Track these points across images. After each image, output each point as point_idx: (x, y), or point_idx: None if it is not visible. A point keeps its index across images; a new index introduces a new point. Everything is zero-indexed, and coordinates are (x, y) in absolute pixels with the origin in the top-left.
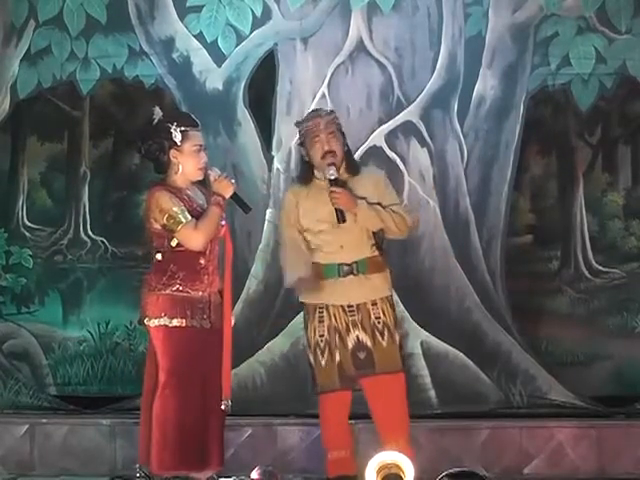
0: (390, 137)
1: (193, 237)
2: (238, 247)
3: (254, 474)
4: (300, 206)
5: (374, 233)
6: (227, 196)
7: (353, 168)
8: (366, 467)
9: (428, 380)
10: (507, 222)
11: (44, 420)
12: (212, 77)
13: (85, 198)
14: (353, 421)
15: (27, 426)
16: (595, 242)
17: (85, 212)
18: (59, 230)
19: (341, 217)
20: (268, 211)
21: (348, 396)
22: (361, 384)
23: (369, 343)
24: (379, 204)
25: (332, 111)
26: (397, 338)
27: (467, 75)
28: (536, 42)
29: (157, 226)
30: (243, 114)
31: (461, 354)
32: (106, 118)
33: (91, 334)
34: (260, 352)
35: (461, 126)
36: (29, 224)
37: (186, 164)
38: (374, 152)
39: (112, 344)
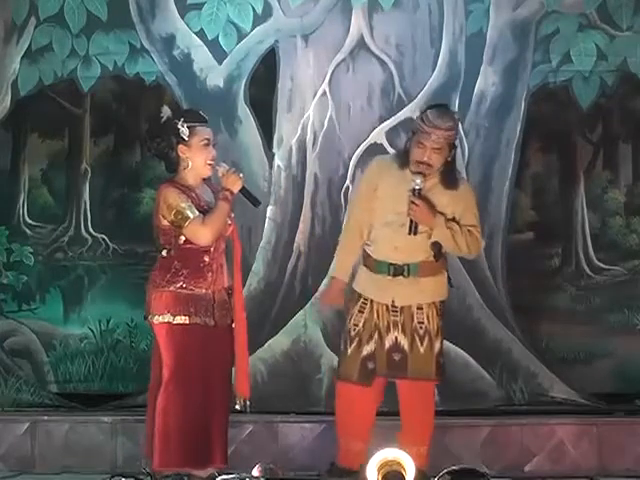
0: (391, 134)
1: (201, 232)
2: None
3: (255, 471)
4: (382, 182)
5: (434, 243)
6: (235, 191)
7: (449, 183)
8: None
9: None
10: (508, 219)
11: (45, 418)
12: (213, 74)
13: (86, 195)
14: None
15: (28, 424)
16: (596, 239)
17: (86, 209)
18: (60, 227)
19: (414, 229)
20: (269, 208)
21: (366, 392)
22: (398, 385)
23: (406, 346)
24: (457, 221)
25: (453, 123)
26: (437, 347)
27: (468, 72)
28: (537, 39)
29: (165, 222)
30: (244, 111)
31: (462, 351)
32: (107, 115)
33: (92, 331)
34: (261, 349)
35: (462, 123)
36: (30, 221)
37: (195, 159)
38: (375, 149)
39: (113, 341)
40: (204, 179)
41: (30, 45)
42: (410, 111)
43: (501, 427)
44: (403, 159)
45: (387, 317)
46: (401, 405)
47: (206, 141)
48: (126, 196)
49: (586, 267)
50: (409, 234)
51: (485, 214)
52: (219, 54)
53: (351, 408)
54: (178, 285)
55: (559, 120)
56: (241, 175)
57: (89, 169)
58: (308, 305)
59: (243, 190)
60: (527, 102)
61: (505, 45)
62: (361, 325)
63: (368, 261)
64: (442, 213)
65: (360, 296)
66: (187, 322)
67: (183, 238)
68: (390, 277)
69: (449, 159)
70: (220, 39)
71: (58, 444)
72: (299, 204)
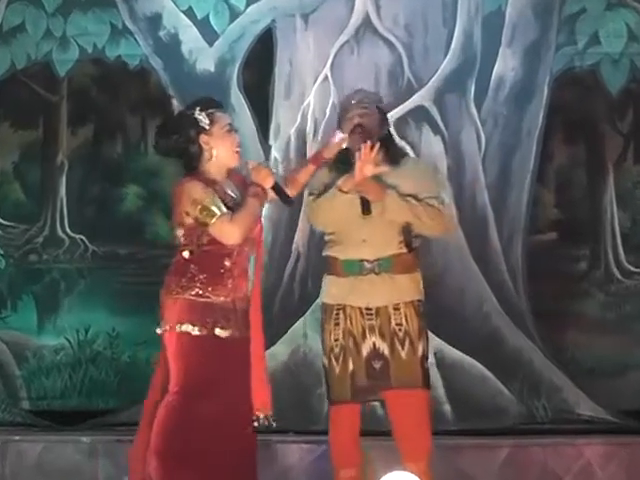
0: (400, 124)
1: (229, 230)
2: None
3: None
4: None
5: (403, 228)
6: (267, 186)
7: (392, 157)
8: None
9: (442, 392)
10: (529, 218)
11: (17, 437)
12: (203, 57)
13: (62, 191)
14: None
15: None
16: (627, 240)
17: (62, 207)
18: (34, 227)
19: (366, 207)
20: (265, 206)
21: (356, 410)
22: (383, 397)
23: (386, 352)
24: (415, 197)
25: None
26: (420, 350)
27: (485, 55)
28: (561, 18)
29: (189, 220)
30: (237, 98)
31: (478, 364)
32: (86, 102)
33: (69, 342)
34: None
35: (478, 111)
36: (0, 220)
37: (220, 148)
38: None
39: (92, 353)
40: (229, 171)
41: (1, 25)
42: (421, 98)
43: (521, 448)
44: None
45: (361, 321)
46: (391, 419)
47: (229, 127)
48: (107, 192)
49: (616, 270)
50: (363, 213)
51: (504, 212)
52: (210, 35)
53: (350, 432)
54: (194, 292)
55: (585, 108)
56: (274, 170)
57: (66, 162)
58: (308, 312)
59: (275, 186)
60: (550, 88)
61: (526, 25)
62: (341, 338)
63: (333, 266)
64: (393, 187)
65: (333, 307)
66: (203, 334)
67: (206, 239)
68: (361, 276)
69: (384, 130)
70: (211, 18)
71: (31, 466)
72: (298, 200)
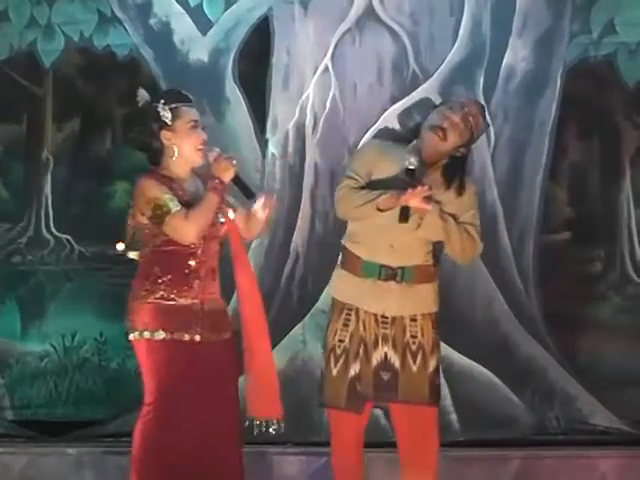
0: (404, 117)
1: (184, 228)
2: (227, 245)
3: None
4: (378, 167)
5: (435, 242)
6: (227, 180)
7: (450, 181)
8: None
9: (449, 402)
10: (541, 216)
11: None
12: (196, 47)
13: (47, 189)
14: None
15: None
16: None
17: (47, 205)
18: (17, 227)
19: (404, 216)
20: None
21: (358, 420)
22: (390, 409)
23: (397, 364)
24: (455, 217)
25: (479, 109)
26: (432, 365)
27: (494, 45)
28: (575, 6)
29: (144, 220)
30: (232, 91)
31: (488, 371)
32: (72, 95)
33: (55, 348)
34: None
35: (487, 104)
36: None
37: (182, 145)
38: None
39: (79, 360)
40: (195, 169)
41: None
42: (426, 90)
43: (533, 460)
44: (410, 139)
45: (375, 329)
46: (396, 434)
47: (193, 123)
48: (95, 190)
49: (632, 272)
50: (399, 220)
51: (514, 211)
52: (203, 23)
53: (349, 442)
54: (158, 295)
55: (601, 100)
56: (235, 162)
57: (51, 158)
58: (307, 316)
59: (236, 179)
60: (563, 79)
61: (538, 13)
62: (347, 341)
63: (352, 263)
64: (438, 202)
65: (344, 306)
66: (168, 338)
67: (165, 238)
68: (380, 281)
69: (459, 153)
70: (204, 6)
71: (14, 479)
72: (297, 198)
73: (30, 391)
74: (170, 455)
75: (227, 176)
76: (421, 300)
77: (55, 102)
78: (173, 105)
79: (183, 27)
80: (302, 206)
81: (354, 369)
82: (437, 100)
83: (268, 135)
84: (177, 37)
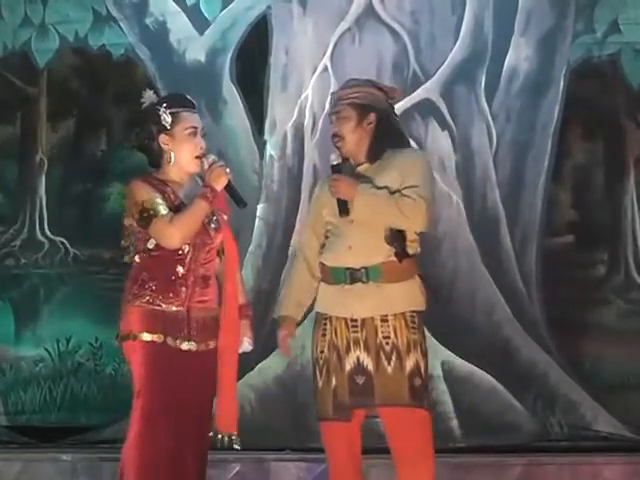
0: (405, 118)
1: (167, 232)
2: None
3: None
4: (324, 195)
5: (392, 234)
6: (219, 187)
7: (372, 156)
8: None
9: (450, 407)
10: (544, 219)
11: None
12: (193, 47)
13: (42, 191)
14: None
15: None
16: None
17: (42, 208)
18: (11, 229)
19: (343, 208)
20: (259, 206)
21: (348, 428)
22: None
23: (370, 367)
24: (389, 188)
25: (354, 82)
26: (409, 366)
27: (496, 44)
28: (579, 5)
29: (134, 223)
30: (230, 91)
31: (489, 376)
32: (67, 95)
33: (49, 353)
34: (250, 374)
35: (489, 105)
36: None
37: (179, 151)
38: None
39: (74, 364)
40: (198, 174)
41: None
42: (427, 91)
43: (536, 466)
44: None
45: (346, 334)
46: (388, 439)
47: (192, 129)
48: (90, 191)
49: (636, 276)
50: (340, 215)
51: (517, 213)
52: (200, 22)
53: (341, 452)
54: (145, 300)
55: (604, 101)
56: (228, 170)
57: (45, 160)
58: (306, 321)
59: (228, 187)
60: (566, 80)
61: (541, 11)
62: (326, 350)
63: (324, 272)
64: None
65: (322, 316)
66: (155, 340)
67: (152, 243)
68: (348, 285)
69: (368, 129)
70: (201, 5)
71: None
72: (295, 200)
73: (24, 396)
74: (152, 458)
75: (220, 184)
76: (390, 300)
77: (49, 102)
78: (174, 109)
79: (180, 26)
80: (300, 208)
81: (335, 378)
82: (438, 100)
83: (266, 136)
84: (173, 36)
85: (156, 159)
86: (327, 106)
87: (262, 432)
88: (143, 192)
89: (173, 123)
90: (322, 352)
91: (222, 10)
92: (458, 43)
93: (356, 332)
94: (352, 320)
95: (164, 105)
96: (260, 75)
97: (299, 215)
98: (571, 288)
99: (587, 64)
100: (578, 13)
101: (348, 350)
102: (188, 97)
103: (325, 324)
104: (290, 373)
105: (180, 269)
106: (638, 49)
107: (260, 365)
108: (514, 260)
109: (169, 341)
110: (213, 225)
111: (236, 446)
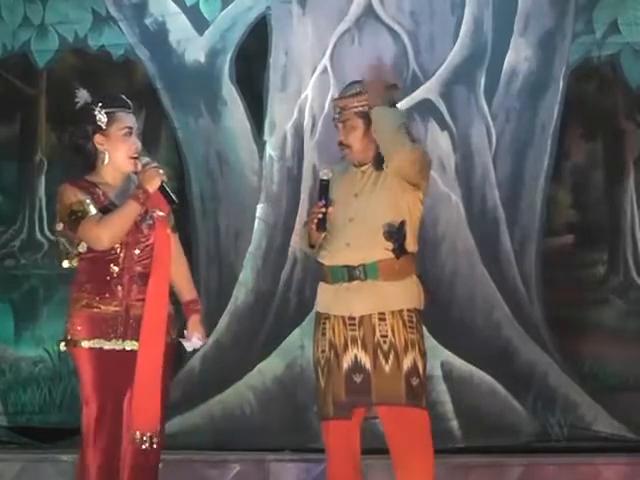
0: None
1: (93, 233)
2: (224, 250)
3: None
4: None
5: (389, 231)
6: (152, 189)
7: (379, 160)
8: None
9: (450, 408)
10: (544, 219)
11: None
12: (192, 47)
13: (41, 191)
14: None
15: None
16: None
17: (41, 208)
18: (10, 229)
19: (321, 225)
20: (259, 207)
21: (349, 427)
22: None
23: (368, 365)
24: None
25: (361, 89)
26: (406, 365)
27: (496, 44)
28: (578, 5)
29: (65, 227)
30: (229, 91)
31: (489, 377)
32: (66, 96)
33: (49, 353)
34: (250, 375)
35: (489, 105)
36: None
37: (113, 151)
38: None
39: (74, 365)
40: (134, 175)
41: None
42: (427, 91)
43: (535, 467)
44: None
45: (344, 332)
46: (386, 438)
47: (127, 130)
48: None
49: (636, 276)
50: (319, 231)
51: (516, 214)
52: (200, 23)
53: (342, 452)
54: (83, 303)
55: (604, 101)
56: (162, 171)
57: (45, 160)
58: (305, 321)
59: (162, 188)
60: (566, 80)
61: (540, 12)
62: (327, 349)
63: (323, 272)
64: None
65: (321, 316)
66: (91, 346)
67: (84, 246)
68: (346, 283)
69: (375, 136)
70: (201, 5)
71: None
72: (295, 201)
73: (24, 397)
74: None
75: (153, 185)
76: (388, 298)
77: (49, 103)
78: (110, 109)
79: (179, 27)
80: (300, 209)
81: (334, 377)
82: (437, 100)
83: (266, 137)
84: (173, 37)
85: (90, 160)
86: (327, 107)
87: (262, 432)
88: (71, 195)
89: (108, 123)
90: (323, 352)
91: (222, 11)
92: (458, 43)
93: (354, 330)
94: (350, 318)
95: (99, 105)
96: (260, 75)
97: (299, 215)
98: (571, 288)
99: (587, 64)
100: (577, 13)
101: (346, 348)
102: (123, 97)
103: (324, 323)
104: (290, 374)
105: (115, 268)
106: (638, 49)
107: (260, 365)
108: (514, 260)
109: (110, 345)
110: (146, 223)
111: (154, 445)
